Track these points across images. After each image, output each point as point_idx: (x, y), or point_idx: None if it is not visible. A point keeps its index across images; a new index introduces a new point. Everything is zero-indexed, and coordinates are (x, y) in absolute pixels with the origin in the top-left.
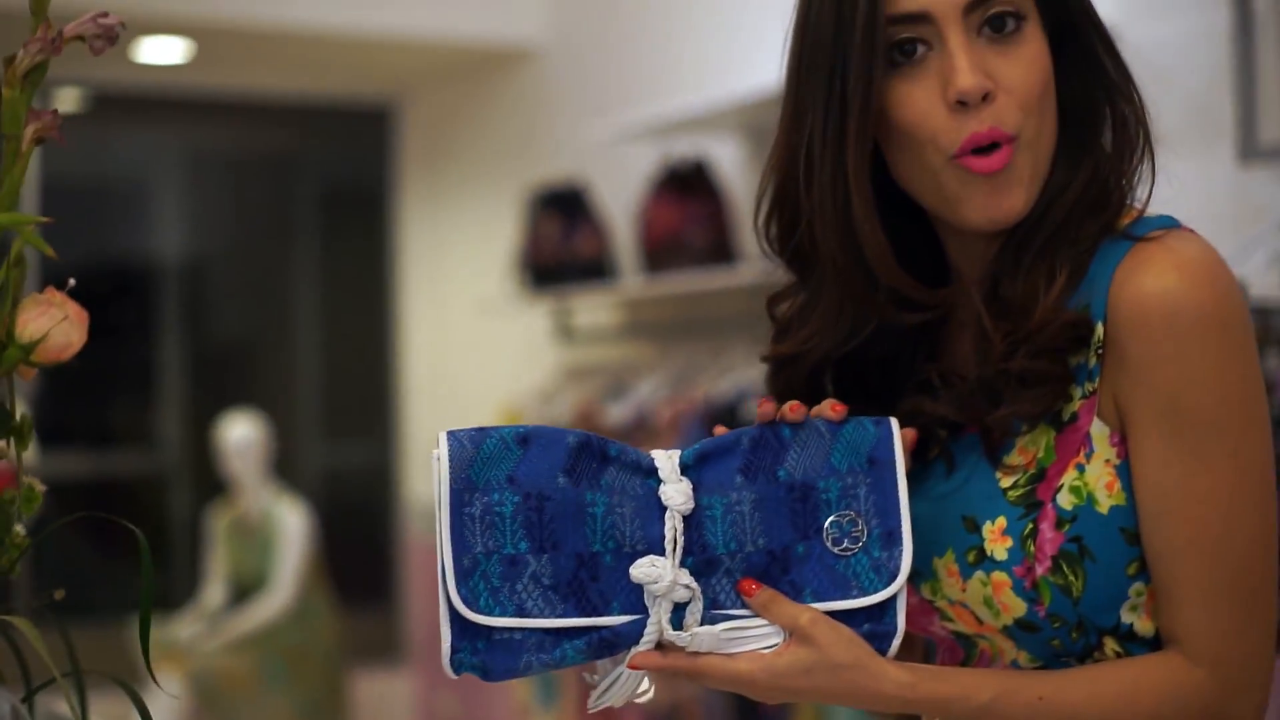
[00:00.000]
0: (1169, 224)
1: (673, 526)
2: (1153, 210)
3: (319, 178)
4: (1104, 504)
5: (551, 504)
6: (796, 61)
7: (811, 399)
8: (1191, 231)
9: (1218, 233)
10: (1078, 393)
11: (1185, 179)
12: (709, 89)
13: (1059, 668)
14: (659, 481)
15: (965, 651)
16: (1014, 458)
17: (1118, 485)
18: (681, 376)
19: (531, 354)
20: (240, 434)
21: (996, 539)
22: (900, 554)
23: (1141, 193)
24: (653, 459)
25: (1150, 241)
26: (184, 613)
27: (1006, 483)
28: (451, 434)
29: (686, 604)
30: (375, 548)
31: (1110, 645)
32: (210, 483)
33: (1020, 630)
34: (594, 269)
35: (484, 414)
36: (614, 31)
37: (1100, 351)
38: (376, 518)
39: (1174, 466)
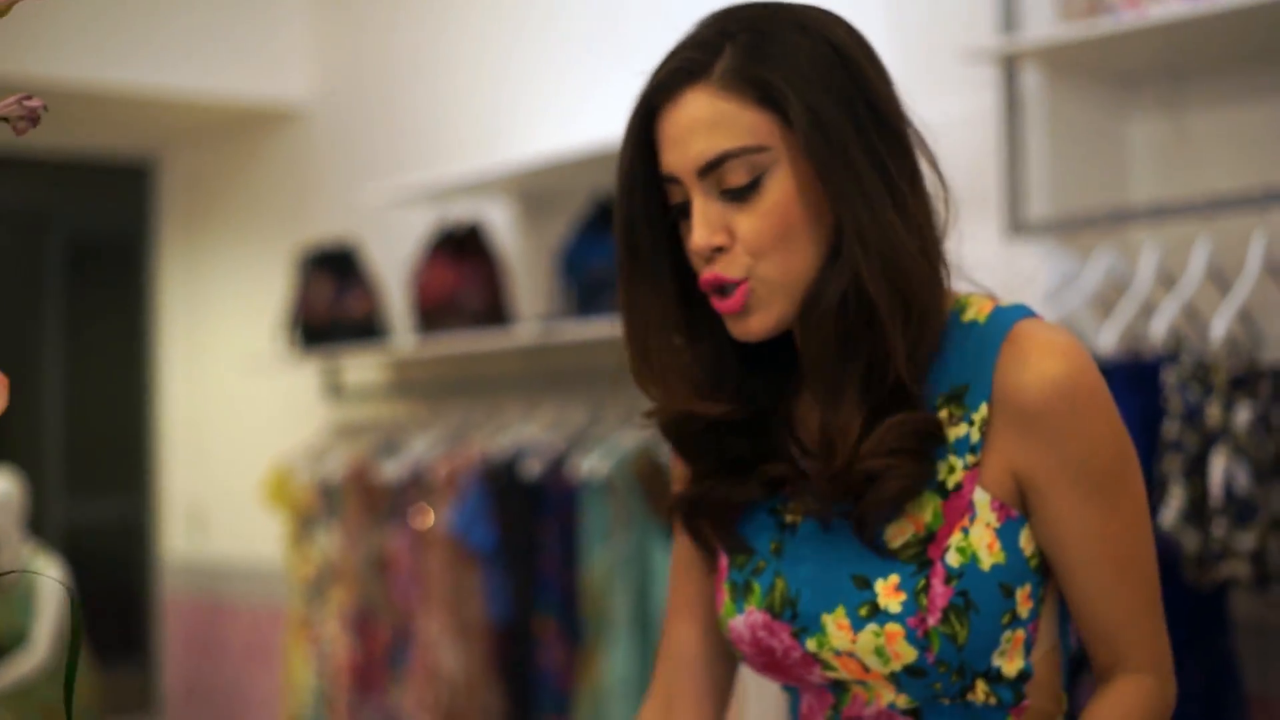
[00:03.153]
0: (1028, 313)
1: None
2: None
3: (71, 233)
4: (986, 563)
5: None
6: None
7: (690, 433)
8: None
9: None
10: (960, 464)
11: (955, 251)
12: (479, 155)
13: (934, 708)
14: None
15: (835, 697)
16: (896, 527)
17: (998, 545)
18: (456, 435)
19: (299, 412)
20: None
21: (890, 594)
22: None
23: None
24: None
25: (1026, 331)
26: None
27: (896, 544)
28: None
29: None
30: (127, 604)
31: (981, 686)
32: None
33: (907, 675)
34: (365, 329)
35: (251, 469)
36: (381, 96)
37: (984, 429)
38: (129, 573)
39: (1093, 518)
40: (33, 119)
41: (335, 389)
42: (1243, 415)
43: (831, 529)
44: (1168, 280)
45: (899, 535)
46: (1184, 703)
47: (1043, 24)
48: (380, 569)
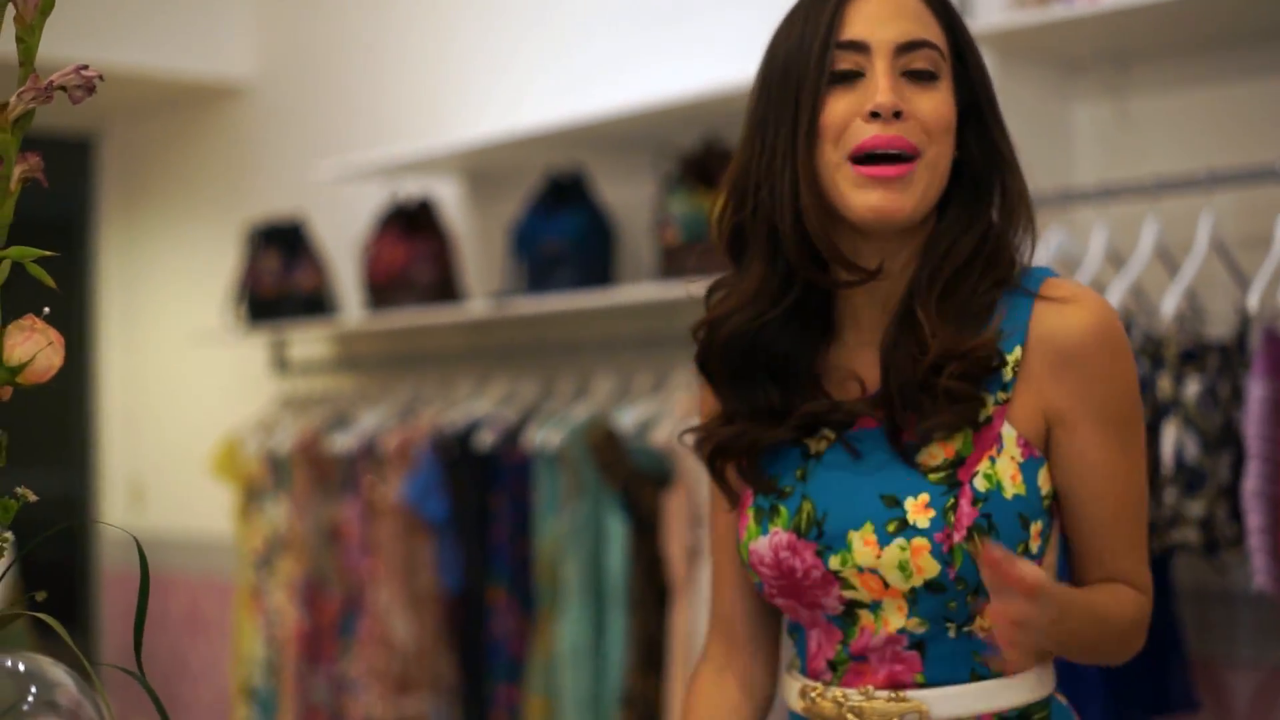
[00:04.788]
0: (1051, 273)
1: None
2: None
3: None
4: (1009, 491)
5: None
6: (764, 79)
7: (726, 367)
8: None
9: None
10: (991, 400)
11: None
12: (428, 132)
13: (939, 640)
14: None
15: (843, 630)
16: (929, 453)
17: (1020, 478)
18: (407, 408)
19: (245, 385)
20: None
21: (919, 511)
22: None
23: (1025, 254)
24: None
25: (1058, 284)
26: None
27: (928, 466)
28: None
29: None
30: (67, 576)
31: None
32: None
33: (926, 591)
34: (313, 303)
35: (196, 442)
36: (327, 72)
37: (1016, 370)
38: (69, 546)
39: (1111, 455)
40: (89, 88)
41: (282, 363)
42: (1192, 388)
43: (860, 456)
44: (1115, 259)
45: (931, 459)
46: (1128, 664)
47: (994, 11)
48: (330, 540)
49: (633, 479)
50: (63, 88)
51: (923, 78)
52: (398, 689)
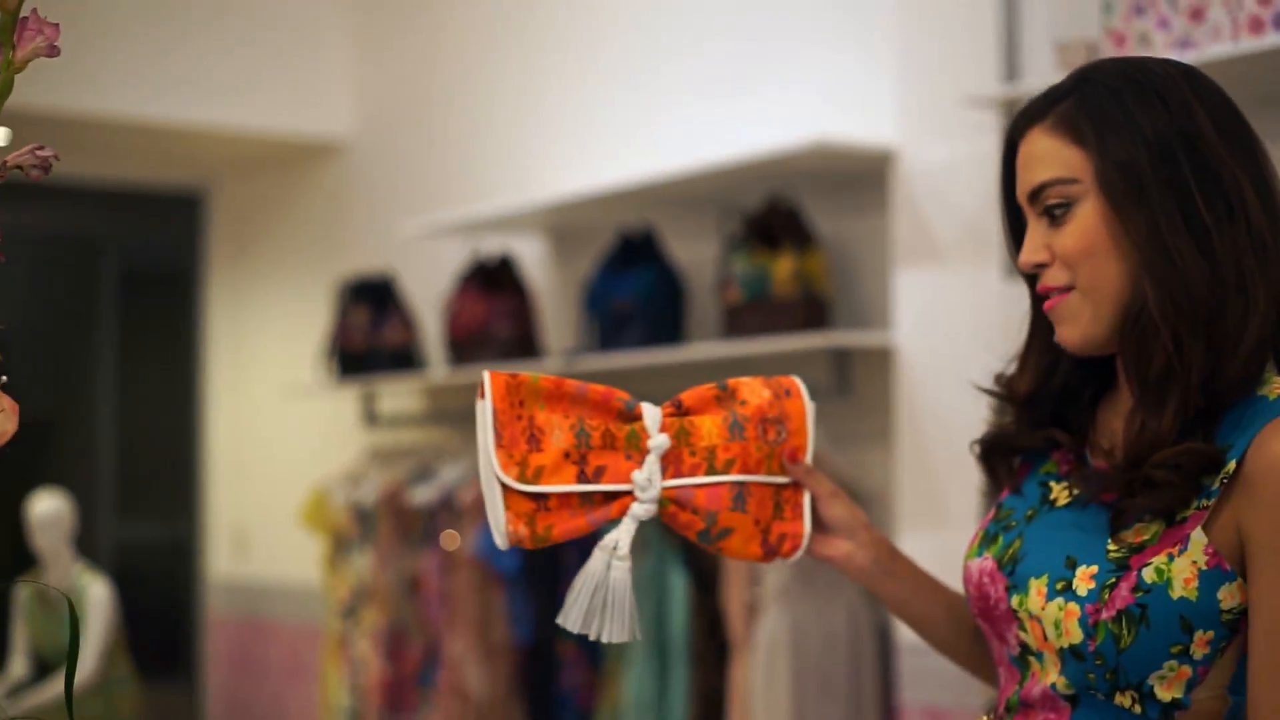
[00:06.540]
0: None
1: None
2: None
3: (124, 260)
4: (1177, 591)
5: None
6: None
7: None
8: None
9: (985, 339)
10: (1194, 504)
11: (958, 290)
12: (512, 190)
13: (1089, 700)
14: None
15: (1020, 673)
16: (1130, 534)
17: (1194, 584)
18: None
19: (337, 437)
20: (46, 508)
21: (1084, 580)
22: None
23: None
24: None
25: None
26: None
27: (1113, 546)
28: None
29: None
30: (173, 622)
31: (1130, 694)
32: (14, 556)
33: (1070, 655)
34: (401, 357)
35: (292, 492)
36: (419, 132)
37: (1225, 481)
38: (176, 592)
39: (1270, 591)
40: (44, 168)
41: (372, 416)
42: None
43: (1085, 515)
44: None
45: (1121, 540)
46: None
47: (1043, 73)
48: (411, 590)
49: None
50: (19, 167)
51: (1055, 212)
52: None
